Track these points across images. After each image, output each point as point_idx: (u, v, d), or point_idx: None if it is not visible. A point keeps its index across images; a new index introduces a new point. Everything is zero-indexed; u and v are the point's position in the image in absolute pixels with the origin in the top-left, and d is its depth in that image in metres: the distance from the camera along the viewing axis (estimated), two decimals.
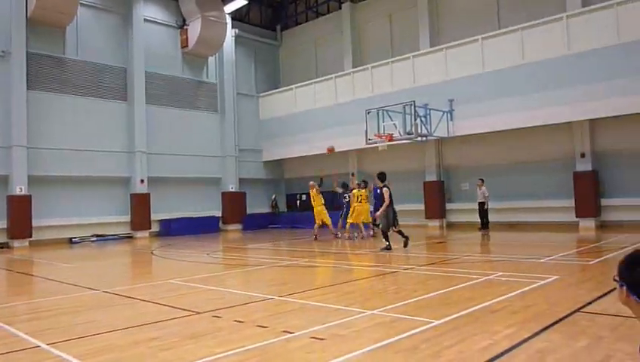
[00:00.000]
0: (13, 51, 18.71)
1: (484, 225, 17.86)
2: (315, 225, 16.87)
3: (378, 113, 18.48)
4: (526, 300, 6.14)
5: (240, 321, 5.57)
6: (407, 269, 9.28)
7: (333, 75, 23.59)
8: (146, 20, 22.80)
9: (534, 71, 16.82)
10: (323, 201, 16.87)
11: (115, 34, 22.16)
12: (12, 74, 18.69)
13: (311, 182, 17.32)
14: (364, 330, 5.05)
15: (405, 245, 12.27)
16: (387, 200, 12.11)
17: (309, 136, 23.67)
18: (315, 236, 16.60)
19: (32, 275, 11.37)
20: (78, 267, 12.61)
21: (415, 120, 17.53)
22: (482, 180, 17.99)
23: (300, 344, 4.64)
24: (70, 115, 20.33)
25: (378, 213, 12.35)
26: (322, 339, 4.70)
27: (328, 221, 16.78)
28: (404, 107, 17.88)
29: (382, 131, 18.29)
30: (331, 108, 23.04)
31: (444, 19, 21.54)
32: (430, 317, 5.34)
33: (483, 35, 18.32)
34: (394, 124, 18.03)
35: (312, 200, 17.02)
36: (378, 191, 12.52)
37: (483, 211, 17.92)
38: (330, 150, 15.89)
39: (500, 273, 8.27)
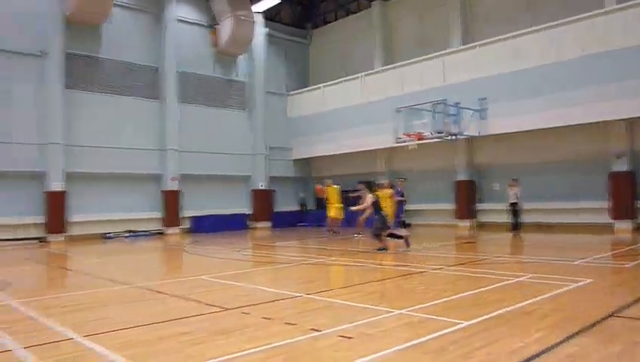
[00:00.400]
0: (50, 51, 19.26)
1: (516, 226, 17.45)
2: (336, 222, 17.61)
3: (408, 112, 18.35)
4: (558, 303, 6.01)
5: (268, 318, 5.62)
6: (436, 269, 9.20)
7: (362, 74, 23.52)
8: (178, 20, 23.15)
9: (569, 68, 16.40)
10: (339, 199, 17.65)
11: (148, 33, 22.57)
12: (49, 73, 19.24)
13: (328, 181, 18.18)
14: (392, 330, 5.03)
15: (407, 245, 12.33)
16: (365, 204, 13.07)
17: (338, 134, 23.68)
18: (336, 232, 17.33)
19: (67, 269, 11.68)
20: (111, 262, 12.91)
21: (446, 118, 17.34)
22: (515, 180, 17.56)
23: (327, 342, 4.65)
24: (104, 113, 20.82)
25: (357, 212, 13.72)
26: (350, 338, 4.70)
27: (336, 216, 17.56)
28: (434, 105, 17.71)
29: (412, 130, 18.16)
30: (361, 107, 22.97)
31: (476, 17, 21.24)
32: (459, 318, 5.28)
33: (515, 33, 17.99)
34: (424, 122, 17.88)
35: (328, 198, 17.73)
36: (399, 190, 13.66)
37: (515, 212, 17.50)
38: (320, 190, 15.83)
39: (532, 275, 8.12)
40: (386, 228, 12.47)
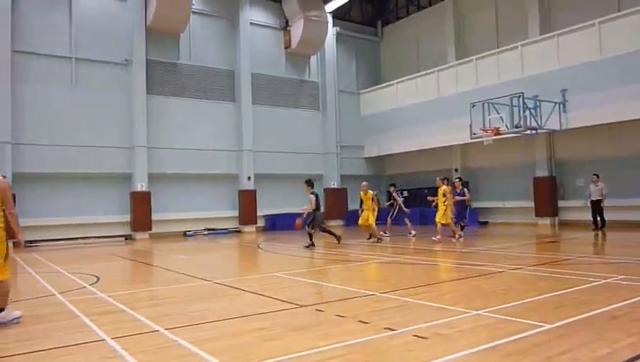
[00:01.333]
0: (134, 59, 20.42)
1: (600, 224, 16.47)
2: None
3: (483, 106, 17.77)
4: None
5: (342, 316, 5.64)
6: (515, 269, 8.85)
7: (436, 69, 23.07)
8: (251, 24, 23.80)
9: None
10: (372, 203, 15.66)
11: (223, 38, 23.36)
12: (133, 80, 20.43)
13: (364, 183, 16.21)
14: (468, 331, 4.90)
15: (338, 241, 14.34)
16: (313, 206, 13.92)
17: (412, 131, 23.38)
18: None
19: (152, 265, 12.31)
20: (192, 259, 13.48)
21: (524, 112, 16.64)
22: (598, 176, 16.57)
23: (401, 341, 4.60)
24: (184, 117, 21.80)
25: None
26: (425, 338, 4.62)
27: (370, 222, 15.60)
28: (511, 99, 17.03)
29: (487, 125, 17.58)
30: (434, 103, 22.55)
31: (555, 3, 20.20)
32: (541, 320, 5.05)
33: (600, 19, 16.93)
34: (500, 117, 17.25)
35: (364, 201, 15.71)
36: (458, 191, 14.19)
37: (599, 209, 16.52)
38: (298, 225, 14.61)
39: (621, 276, 7.61)
40: (314, 228, 13.76)
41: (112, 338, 4.93)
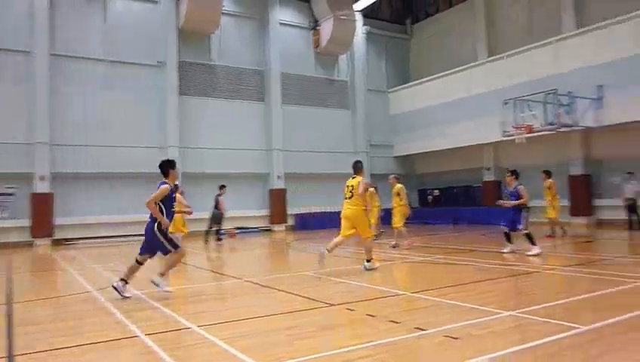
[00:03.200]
0: (167, 61, 20.81)
1: (634, 224, 16.01)
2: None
3: (515, 103, 17.47)
4: None
5: (372, 315, 5.65)
6: (550, 270, 8.69)
7: (467, 66, 22.77)
8: (281, 24, 23.93)
9: None
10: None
11: (253, 39, 23.57)
12: (167, 82, 20.82)
13: (391, 177, 14.31)
14: (501, 332, 4.85)
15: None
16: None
17: (442, 129, 23.14)
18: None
19: (185, 264, 12.52)
20: (224, 257, 13.66)
21: (558, 109, 16.28)
22: (631, 173, 16.08)
23: (432, 342, 4.59)
24: (215, 117, 22.09)
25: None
26: (456, 338, 4.60)
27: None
28: (544, 96, 16.69)
29: (520, 122, 17.27)
30: (465, 101, 22.26)
31: None
32: (576, 322, 4.96)
33: (638, 12, 16.41)
34: (533, 114, 16.92)
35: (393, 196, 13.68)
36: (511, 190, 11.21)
37: (633, 208, 16.08)
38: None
39: None
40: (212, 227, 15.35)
41: (147, 335, 5.06)
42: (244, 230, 22.07)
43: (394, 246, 13.20)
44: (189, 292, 7.90)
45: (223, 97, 22.55)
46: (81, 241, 18.90)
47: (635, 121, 16.67)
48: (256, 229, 22.54)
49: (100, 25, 20.17)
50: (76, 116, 19.41)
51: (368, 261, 9.43)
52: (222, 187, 17.50)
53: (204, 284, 8.54)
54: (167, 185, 7.28)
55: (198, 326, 5.34)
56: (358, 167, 9.91)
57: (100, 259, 13.15)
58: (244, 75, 23.21)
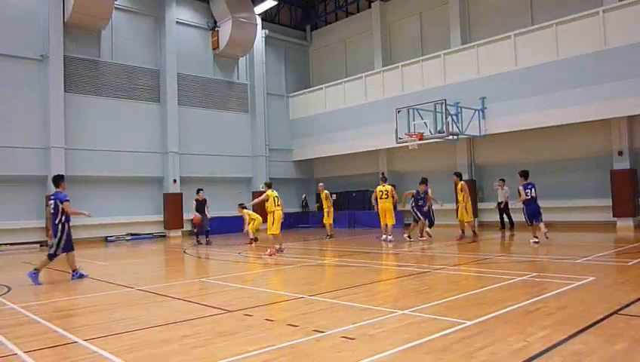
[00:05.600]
0: (51, 55, 19.30)
1: (507, 224, 17.99)
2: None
3: (408, 112, 18.32)
4: (561, 301, 6.00)
5: (270, 320, 5.61)
6: (439, 269, 9.19)
7: (363, 74, 23.51)
8: (178, 23, 23.19)
9: (569, 67, 16.40)
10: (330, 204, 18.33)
11: (148, 37, 22.62)
12: (50, 77, 19.27)
13: (320, 184, 19.13)
14: (394, 330, 5.02)
15: None
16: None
17: (339, 135, 23.69)
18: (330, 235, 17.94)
19: (69, 272, 11.67)
20: (113, 265, 12.91)
21: (446, 118, 17.33)
22: (503, 180, 17.97)
23: (330, 343, 4.64)
24: (105, 117, 20.83)
25: None
26: (352, 339, 4.69)
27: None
28: (434, 105, 17.69)
29: (412, 130, 18.14)
30: (361, 108, 22.98)
31: (475, 16, 21.27)
32: (462, 317, 5.28)
33: (516, 32, 17.97)
34: (425, 122, 17.85)
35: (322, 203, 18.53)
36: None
37: (503, 211, 18.03)
38: (196, 220, 17.56)
39: (534, 274, 8.11)
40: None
41: (25, 352, 4.63)
42: (136, 236, 21.04)
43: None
44: (74, 304, 7.36)
45: (115, 96, 21.31)
46: None
47: (513, 132, 18.21)
48: (149, 235, 21.57)
49: None
50: None
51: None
52: (199, 191, 18.02)
53: (91, 295, 8.00)
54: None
55: (85, 340, 4.97)
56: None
57: None
58: (138, 73, 22.16)
